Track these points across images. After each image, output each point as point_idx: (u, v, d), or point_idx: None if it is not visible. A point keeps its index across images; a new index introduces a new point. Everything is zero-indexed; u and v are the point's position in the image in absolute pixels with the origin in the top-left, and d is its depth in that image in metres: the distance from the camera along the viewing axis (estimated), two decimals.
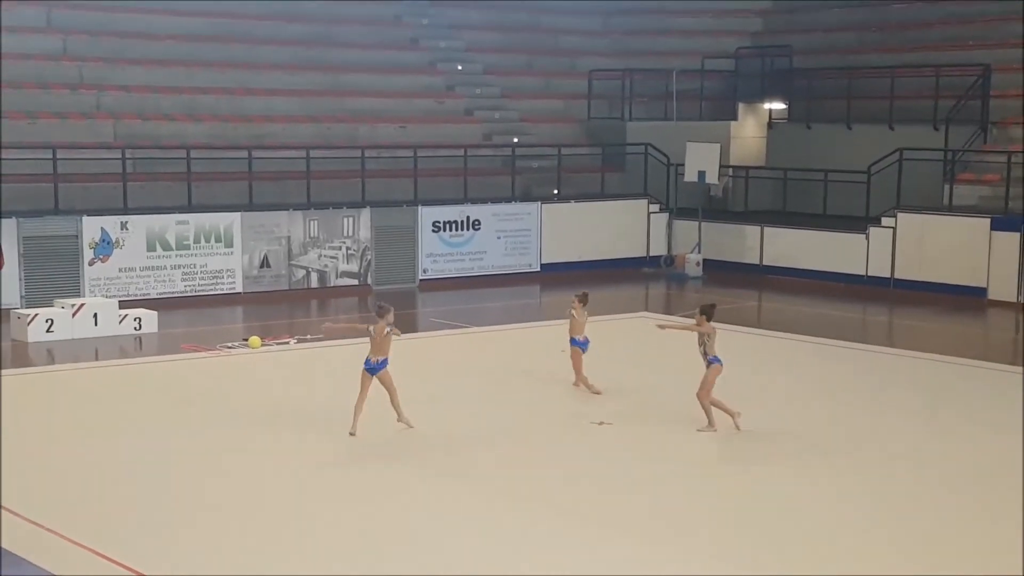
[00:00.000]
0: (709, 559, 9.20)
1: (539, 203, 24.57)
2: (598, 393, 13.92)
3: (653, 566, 9.03)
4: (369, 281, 22.52)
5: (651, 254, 25.72)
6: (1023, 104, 24.17)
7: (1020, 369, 15.95)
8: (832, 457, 11.87)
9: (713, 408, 12.66)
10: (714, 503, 10.49)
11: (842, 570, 9.00)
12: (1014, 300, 20.82)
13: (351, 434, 12.21)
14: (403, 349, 17.30)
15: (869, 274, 22.83)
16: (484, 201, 24.04)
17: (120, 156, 21.08)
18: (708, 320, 12.68)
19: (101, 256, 20.00)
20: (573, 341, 14.18)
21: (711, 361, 12.59)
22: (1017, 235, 20.82)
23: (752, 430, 12.69)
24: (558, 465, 11.58)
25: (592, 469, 11.47)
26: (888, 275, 22.58)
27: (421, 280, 23.09)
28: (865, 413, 13.59)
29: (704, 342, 12.66)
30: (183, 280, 20.77)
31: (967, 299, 21.19)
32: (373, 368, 12.29)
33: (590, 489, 10.85)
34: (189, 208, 21.25)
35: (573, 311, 14.24)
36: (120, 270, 20.14)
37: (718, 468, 11.69)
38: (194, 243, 20.84)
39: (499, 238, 24.01)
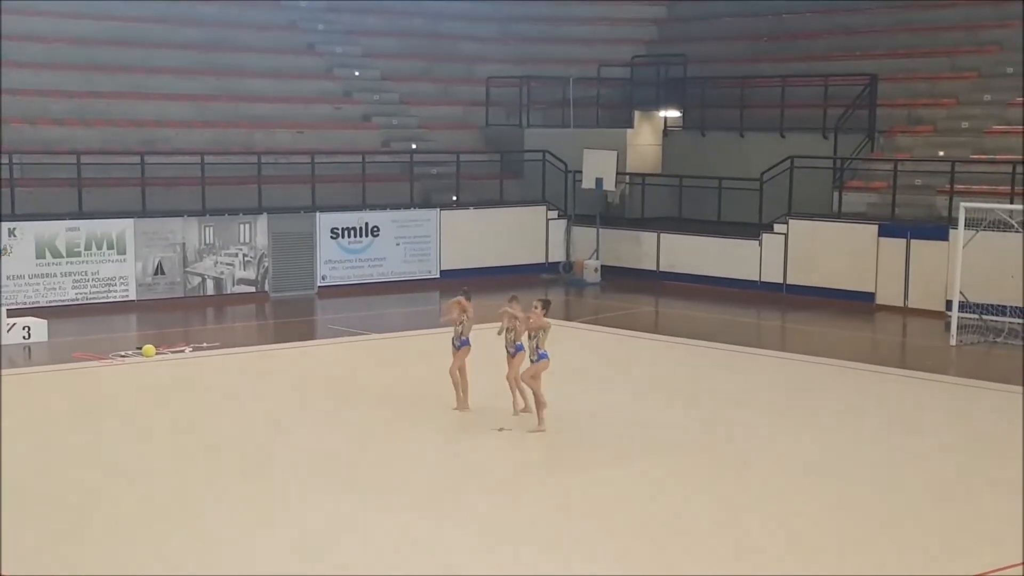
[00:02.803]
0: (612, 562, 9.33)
1: (438, 209, 24.58)
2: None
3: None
4: (266, 288, 22.30)
5: (550, 260, 25.90)
6: (909, 113, 24.91)
7: (905, 372, 16.45)
8: (714, 460, 12.08)
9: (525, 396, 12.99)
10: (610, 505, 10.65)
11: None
12: (901, 305, 21.41)
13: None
14: (300, 356, 17.25)
15: (762, 280, 23.28)
16: (383, 207, 23.98)
17: (7, 161, 20.56)
18: (546, 314, 12.95)
19: None
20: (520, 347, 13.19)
21: (541, 356, 12.85)
22: (904, 241, 21.41)
23: (642, 431, 12.88)
24: (459, 472, 11.60)
25: (492, 475, 11.51)
26: (780, 280, 23.05)
27: (320, 287, 22.92)
28: (749, 415, 13.85)
29: (538, 335, 12.88)
30: (74, 288, 20.33)
31: (856, 304, 21.72)
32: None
33: (503, 499, 10.89)
34: (80, 214, 20.81)
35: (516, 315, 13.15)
36: (8, 278, 19.63)
37: (614, 470, 11.82)
38: (85, 250, 20.42)
39: (398, 244, 23.95)
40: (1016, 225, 18.30)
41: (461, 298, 13.73)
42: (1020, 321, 18.57)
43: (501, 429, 12.92)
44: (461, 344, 13.59)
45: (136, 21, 26.19)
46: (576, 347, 17.18)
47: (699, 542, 9.78)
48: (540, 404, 12.88)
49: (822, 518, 10.39)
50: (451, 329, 13.77)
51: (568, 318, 20.42)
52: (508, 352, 13.30)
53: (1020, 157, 21.44)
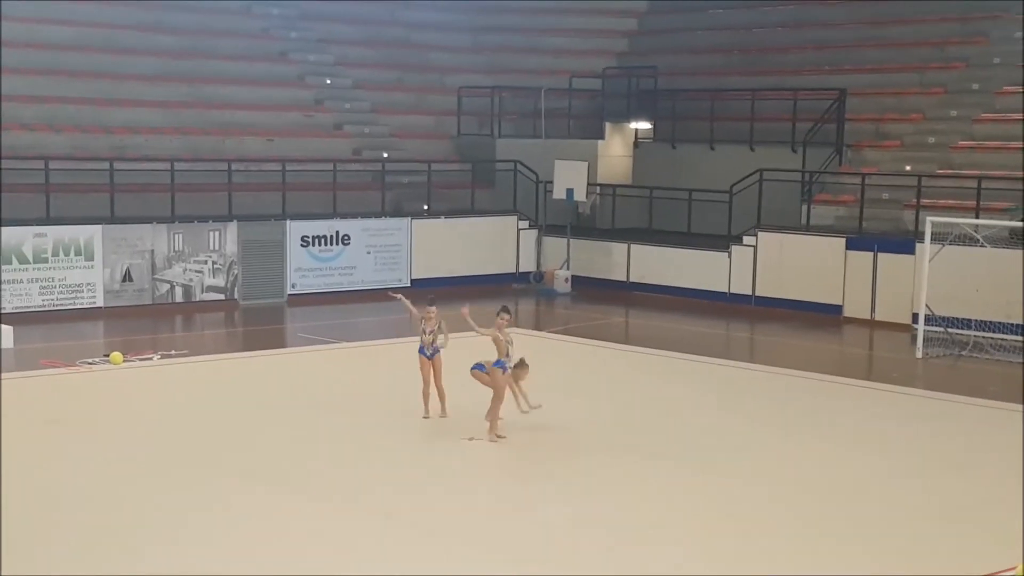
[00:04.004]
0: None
1: (409, 218, 24.58)
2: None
3: None
4: (236, 296, 22.22)
5: (520, 270, 25.95)
6: (876, 128, 25.13)
7: (872, 384, 16.58)
8: (687, 469, 12.15)
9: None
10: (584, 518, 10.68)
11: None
12: (868, 317, 21.58)
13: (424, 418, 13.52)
14: (269, 364, 17.21)
15: (731, 291, 23.41)
16: (354, 216, 23.95)
17: None
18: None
19: None
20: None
21: (496, 364, 12.93)
22: (871, 254, 21.59)
23: (609, 439, 12.93)
24: (428, 482, 11.61)
25: (464, 485, 11.52)
26: (749, 292, 23.18)
27: (290, 295, 22.87)
28: (718, 426, 13.93)
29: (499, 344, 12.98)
30: (41, 294, 20.20)
31: (824, 316, 21.88)
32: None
33: (466, 508, 10.90)
34: (47, 220, 20.68)
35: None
36: None
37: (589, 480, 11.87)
38: (52, 256, 20.30)
39: (369, 253, 23.94)
40: (981, 240, 18.50)
41: (430, 308, 13.81)
42: (984, 334, 18.76)
43: (471, 439, 12.92)
44: (422, 352, 13.75)
45: (107, 27, 26.08)
46: (545, 357, 17.19)
47: (690, 547, 9.83)
48: (495, 413, 12.89)
49: (811, 523, 10.46)
50: (437, 340, 13.95)
51: (538, 328, 20.47)
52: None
53: (986, 172, 21.69)
